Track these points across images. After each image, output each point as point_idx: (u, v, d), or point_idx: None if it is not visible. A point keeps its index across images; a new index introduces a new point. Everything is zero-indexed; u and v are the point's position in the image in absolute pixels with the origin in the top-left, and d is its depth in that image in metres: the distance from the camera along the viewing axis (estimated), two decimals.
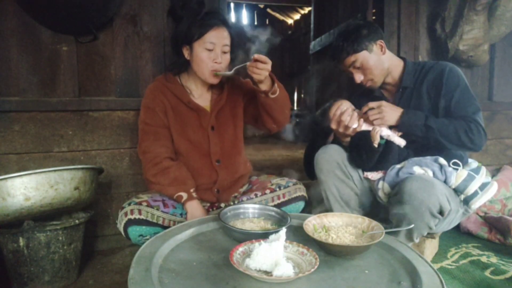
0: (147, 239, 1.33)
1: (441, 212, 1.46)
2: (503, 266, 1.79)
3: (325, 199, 1.79)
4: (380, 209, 1.77)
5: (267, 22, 8.74)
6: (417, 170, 1.56)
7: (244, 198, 1.68)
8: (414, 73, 1.73)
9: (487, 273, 1.75)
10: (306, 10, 7.45)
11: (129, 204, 1.51)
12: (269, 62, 1.45)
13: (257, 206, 1.41)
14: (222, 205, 1.72)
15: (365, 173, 1.77)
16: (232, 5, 8.17)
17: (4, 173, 1.53)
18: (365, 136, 1.61)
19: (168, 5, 2.07)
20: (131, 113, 2.08)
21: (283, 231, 1.03)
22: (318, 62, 3.78)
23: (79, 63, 1.98)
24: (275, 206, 1.51)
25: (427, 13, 2.64)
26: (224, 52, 1.61)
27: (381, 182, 1.67)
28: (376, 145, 1.58)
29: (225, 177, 1.71)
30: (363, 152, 1.67)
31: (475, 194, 1.54)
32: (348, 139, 1.71)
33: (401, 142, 1.54)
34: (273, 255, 0.95)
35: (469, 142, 1.53)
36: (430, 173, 1.54)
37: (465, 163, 1.65)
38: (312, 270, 0.93)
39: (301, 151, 4.16)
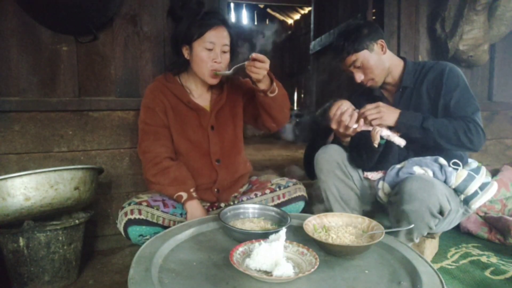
0: (147, 239, 1.33)
1: (441, 212, 1.46)
2: (503, 266, 1.79)
3: (325, 199, 1.79)
4: (380, 209, 1.77)
5: (267, 22, 8.75)
6: (417, 170, 1.56)
7: (244, 198, 1.68)
8: (414, 73, 1.73)
9: (487, 273, 1.75)
10: (306, 10, 7.45)
11: (129, 204, 1.51)
12: (267, 61, 1.45)
13: (257, 206, 1.41)
14: (222, 205, 1.72)
15: (365, 173, 1.77)
16: (232, 5, 8.17)
17: (4, 173, 1.53)
18: (365, 136, 1.61)
19: (168, 5, 2.07)
20: (131, 113, 2.08)
21: (283, 231, 1.03)
22: (318, 62, 3.78)
23: (79, 63, 1.98)
24: (275, 206, 1.51)
25: (427, 13, 2.65)
26: (224, 52, 1.61)
27: (381, 182, 1.67)
28: (376, 145, 1.57)
29: (225, 177, 1.71)
30: (363, 152, 1.68)
31: (475, 194, 1.54)
32: (348, 139, 1.71)
33: (401, 142, 1.54)
34: (273, 255, 0.95)
35: (468, 142, 1.53)
36: (430, 173, 1.54)
37: (465, 163, 1.65)
38: (312, 270, 0.93)
39: (301, 151, 4.16)
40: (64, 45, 1.94)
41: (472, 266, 1.83)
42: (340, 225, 1.24)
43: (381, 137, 1.56)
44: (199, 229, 1.30)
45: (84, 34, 1.93)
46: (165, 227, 1.46)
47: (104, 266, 1.93)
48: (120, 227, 1.50)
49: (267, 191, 1.68)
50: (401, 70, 1.76)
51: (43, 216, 1.62)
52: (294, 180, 1.76)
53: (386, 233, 1.16)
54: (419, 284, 0.93)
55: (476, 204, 1.56)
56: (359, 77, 1.72)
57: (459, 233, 2.28)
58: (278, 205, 1.61)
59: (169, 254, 1.10)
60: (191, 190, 1.59)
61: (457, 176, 1.54)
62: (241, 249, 1.03)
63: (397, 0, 2.55)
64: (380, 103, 1.60)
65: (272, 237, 1.04)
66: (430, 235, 1.78)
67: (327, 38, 3.38)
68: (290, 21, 8.68)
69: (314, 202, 1.88)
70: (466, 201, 1.58)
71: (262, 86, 1.54)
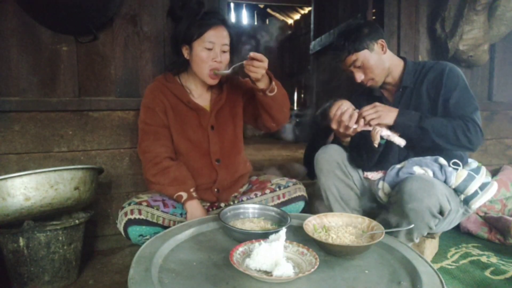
0: (147, 239, 1.33)
1: (441, 212, 1.46)
2: (503, 266, 1.79)
3: (325, 199, 1.79)
4: (380, 209, 1.76)
5: (267, 22, 8.75)
6: (417, 170, 1.56)
7: (244, 198, 1.68)
8: (414, 73, 1.73)
9: (487, 273, 1.75)
10: (306, 10, 7.45)
11: (129, 204, 1.51)
12: (265, 60, 1.45)
13: (257, 206, 1.41)
14: (222, 205, 1.72)
15: (365, 173, 1.77)
16: (232, 5, 8.17)
17: (4, 173, 1.53)
18: (365, 136, 1.61)
19: (168, 5, 2.07)
20: (131, 113, 2.08)
21: (283, 231, 1.03)
22: (318, 62, 3.78)
23: (79, 63, 1.98)
24: (275, 206, 1.51)
25: (427, 13, 2.65)
26: (224, 51, 1.61)
27: (381, 182, 1.67)
28: (376, 145, 1.57)
29: (225, 177, 1.71)
30: (363, 152, 1.68)
31: (475, 194, 1.54)
32: (348, 139, 1.71)
33: (401, 142, 1.54)
34: (273, 255, 0.95)
35: (466, 141, 1.53)
36: (430, 173, 1.54)
37: (465, 163, 1.65)
38: (312, 270, 0.93)
39: (301, 151, 4.16)
40: (64, 45, 1.94)
41: (472, 266, 1.83)
42: (340, 225, 1.24)
43: (381, 137, 1.56)
44: (199, 229, 1.30)
45: (84, 34, 1.93)
46: (165, 227, 1.46)
47: (104, 266, 1.93)
48: (120, 227, 1.50)
49: (267, 191, 1.68)
50: (401, 70, 1.76)
51: (43, 216, 1.62)
52: (294, 180, 1.76)
53: (386, 233, 1.16)
54: (419, 284, 0.93)
55: (476, 204, 1.56)
56: (359, 77, 1.72)
57: (459, 233, 2.28)
58: (278, 205, 1.61)
59: (169, 254, 1.10)
60: (191, 190, 1.59)
61: (457, 176, 1.54)
62: (241, 249, 1.03)
63: (397, 0, 2.55)
64: (377, 103, 1.61)
65: (272, 237, 1.04)
66: (430, 235, 1.78)
67: (327, 38, 3.38)
68: (290, 21, 8.68)
69: (317, 202, 1.88)
70: (466, 201, 1.58)
71: (261, 85, 1.54)
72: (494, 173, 2.72)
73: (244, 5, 8.37)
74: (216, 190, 1.71)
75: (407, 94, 1.73)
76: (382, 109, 1.58)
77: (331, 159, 1.74)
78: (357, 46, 1.66)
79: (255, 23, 8.68)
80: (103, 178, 2.04)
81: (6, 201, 1.48)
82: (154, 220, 1.49)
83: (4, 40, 1.85)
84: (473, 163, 1.64)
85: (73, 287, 1.73)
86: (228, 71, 1.60)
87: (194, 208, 1.56)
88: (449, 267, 1.83)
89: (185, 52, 1.64)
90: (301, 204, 1.71)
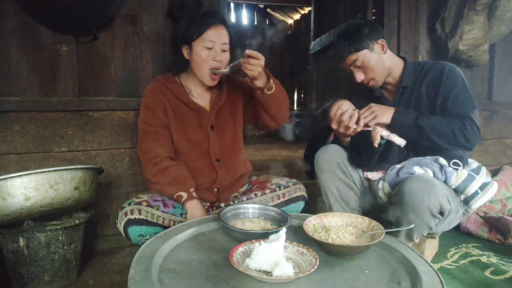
0: (147, 239, 1.33)
1: (441, 212, 1.46)
2: (503, 266, 1.79)
3: (325, 199, 1.79)
4: (380, 209, 1.76)
5: (267, 22, 8.74)
6: (417, 170, 1.56)
7: (244, 198, 1.68)
8: (414, 72, 1.74)
9: (487, 273, 1.75)
10: (306, 10, 7.45)
11: (129, 204, 1.51)
12: (262, 58, 1.45)
13: (257, 206, 1.41)
14: (222, 205, 1.72)
15: (365, 173, 1.77)
16: (232, 5, 8.17)
17: (4, 173, 1.53)
18: (365, 136, 1.61)
19: (168, 5, 2.07)
20: (131, 113, 2.08)
21: (283, 231, 1.03)
22: (318, 62, 3.78)
23: (79, 63, 1.98)
24: (275, 206, 1.51)
25: (427, 13, 2.65)
26: (224, 51, 1.61)
27: (381, 182, 1.67)
28: (376, 145, 1.58)
29: (225, 177, 1.71)
30: (363, 152, 1.67)
31: (475, 194, 1.54)
32: (348, 139, 1.71)
33: (401, 142, 1.54)
34: (273, 255, 0.95)
35: (463, 140, 1.53)
36: (430, 173, 1.54)
37: (465, 163, 1.65)
38: (312, 270, 0.93)
39: (301, 151, 4.15)
40: (64, 45, 1.94)
41: (472, 266, 1.83)
42: (340, 225, 1.24)
43: (381, 137, 1.56)
44: (199, 229, 1.30)
45: (84, 34, 1.93)
46: (165, 227, 1.46)
47: (104, 266, 1.93)
48: (120, 227, 1.50)
49: (267, 191, 1.68)
50: (401, 70, 1.76)
51: (43, 216, 1.62)
52: (294, 180, 1.76)
53: (386, 233, 1.16)
54: (419, 284, 0.93)
55: (476, 204, 1.56)
56: (359, 76, 1.72)
57: (459, 233, 2.28)
58: (278, 205, 1.61)
59: (169, 254, 1.10)
60: (191, 190, 1.59)
61: (457, 176, 1.54)
62: (241, 249, 1.03)
63: (397, 0, 2.55)
64: (372, 104, 1.62)
65: (272, 237, 1.04)
66: (430, 235, 1.78)
67: (327, 38, 3.38)
68: (290, 21, 8.67)
69: (317, 202, 1.88)
70: (466, 201, 1.58)
71: (259, 83, 1.54)
72: (494, 173, 2.72)
73: (244, 5, 8.36)
74: (216, 190, 1.71)
75: (407, 94, 1.73)
76: (378, 109, 1.59)
77: (331, 159, 1.74)
78: (357, 46, 1.66)
79: (255, 23, 8.67)
80: (103, 178, 2.04)
81: (6, 201, 1.48)
82: (154, 220, 1.49)
83: (4, 40, 1.85)
84: (473, 163, 1.64)
85: (73, 287, 1.73)
86: (226, 70, 1.60)
87: (194, 208, 1.56)
88: (449, 267, 1.83)
89: (185, 52, 1.64)
90: (301, 204, 1.71)
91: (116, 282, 1.76)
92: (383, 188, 1.65)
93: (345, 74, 1.83)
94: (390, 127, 1.59)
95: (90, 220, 1.84)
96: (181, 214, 1.58)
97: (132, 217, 1.47)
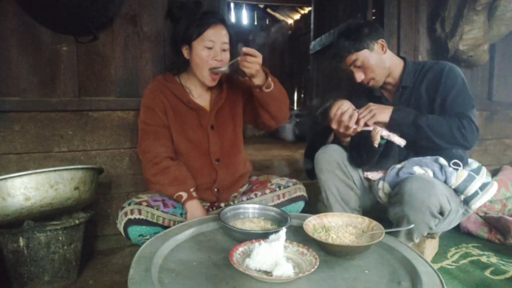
0: (147, 239, 1.33)
1: (441, 212, 1.46)
2: (503, 266, 1.79)
3: (325, 199, 1.79)
4: (380, 209, 1.76)
5: (267, 22, 8.74)
6: (417, 170, 1.56)
7: (244, 198, 1.68)
8: (414, 72, 1.74)
9: (487, 273, 1.75)
10: (306, 10, 7.45)
11: (129, 204, 1.51)
12: (259, 55, 1.46)
13: (257, 206, 1.41)
14: (222, 205, 1.72)
15: (365, 173, 1.77)
16: (232, 5, 8.17)
17: (4, 173, 1.53)
18: (365, 136, 1.61)
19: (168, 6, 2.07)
20: (131, 113, 2.08)
21: (283, 231, 1.03)
22: (318, 62, 3.78)
23: (79, 63, 1.98)
24: (275, 206, 1.51)
25: (427, 13, 2.65)
26: (224, 50, 1.61)
27: (381, 182, 1.67)
28: (376, 145, 1.58)
29: (225, 177, 1.71)
30: (363, 152, 1.67)
31: (475, 194, 1.54)
32: (348, 139, 1.71)
33: (401, 142, 1.54)
34: (273, 255, 0.95)
35: (461, 138, 1.53)
36: (430, 173, 1.54)
37: (465, 163, 1.65)
38: (312, 270, 0.93)
39: (301, 151, 4.16)
40: (64, 45, 1.94)
41: (472, 266, 1.83)
42: (340, 225, 1.24)
43: (381, 137, 1.56)
44: (199, 229, 1.30)
45: (84, 34, 1.93)
46: (165, 227, 1.46)
47: (104, 266, 1.93)
48: (120, 227, 1.50)
49: (267, 191, 1.68)
50: (401, 70, 1.76)
51: (43, 216, 1.62)
52: (294, 180, 1.76)
53: (386, 233, 1.16)
54: (419, 284, 0.93)
55: (476, 204, 1.56)
56: (359, 76, 1.72)
57: (459, 233, 2.28)
58: (278, 205, 1.61)
59: (169, 254, 1.10)
60: (191, 190, 1.59)
61: (457, 176, 1.54)
62: (241, 249, 1.03)
63: (397, 0, 2.55)
64: (371, 104, 1.62)
65: (272, 237, 1.04)
66: (430, 235, 1.78)
67: (327, 38, 3.38)
68: (290, 21, 8.67)
69: (317, 202, 1.87)
70: (466, 201, 1.58)
71: (257, 81, 1.54)
72: (494, 173, 2.72)
73: (244, 5, 8.36)
74: (216, 190, 1.71)
75: (407, 94, 1.73)
76: (376, 108, 1.59)
77: (331, 159, 1.74)
78: (357, 46, 1.67)
79: (255, 23, 8.67)
80: (103, 178, 2.04)
81: (6, 201, 1.48)
82: (154, 220, 1.49)
83: (4, 40, 1.85)
84: (473, 163, 1.64)
85: (73, 287, 1.73)
86: (224, 69, 1.60)
87: (194, 208, 1.56)
88: (449, 267, 1.83)
89: (185, 52, 1.64)
90: (301, 204, 1.71)
91: (116, 282, 1.76)
92: (383, 188, 1.65)
93: (345, 74, 1.83)
94: (389, 126, 1.59)
95: (90, 220, 1.84)
96: (181, 214, 1.58)
97: (132, 217, 1.47)
